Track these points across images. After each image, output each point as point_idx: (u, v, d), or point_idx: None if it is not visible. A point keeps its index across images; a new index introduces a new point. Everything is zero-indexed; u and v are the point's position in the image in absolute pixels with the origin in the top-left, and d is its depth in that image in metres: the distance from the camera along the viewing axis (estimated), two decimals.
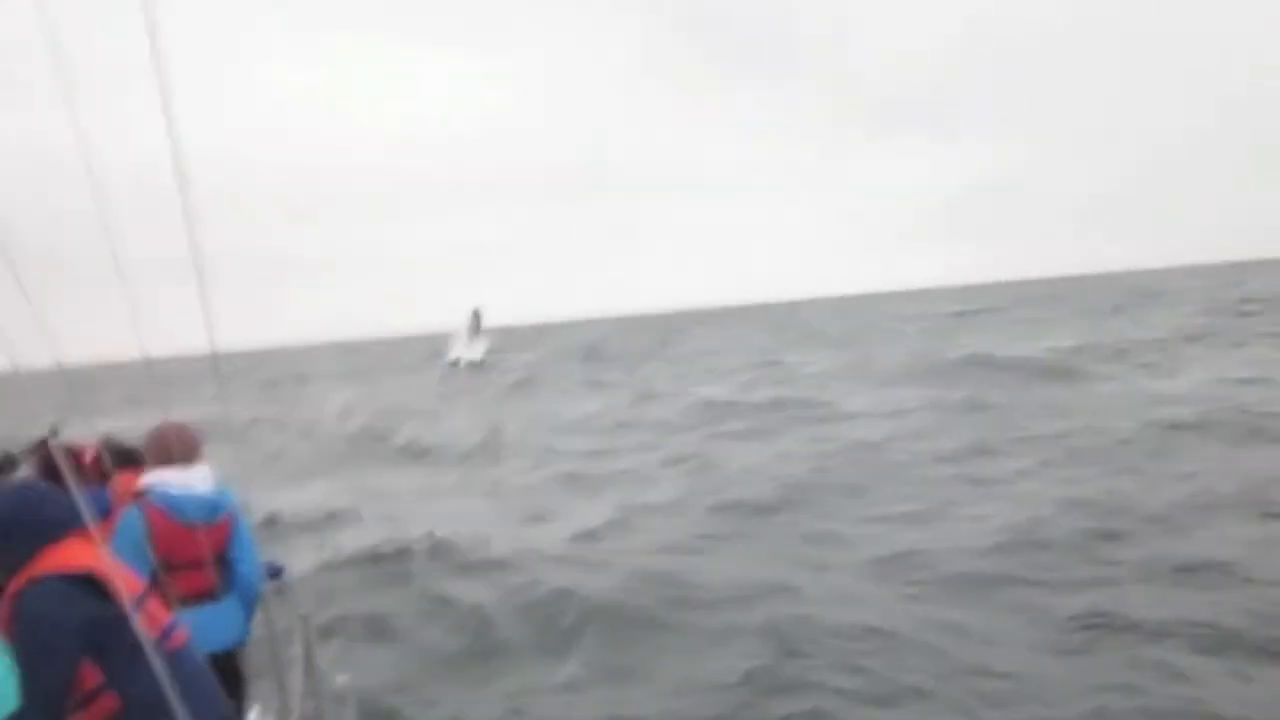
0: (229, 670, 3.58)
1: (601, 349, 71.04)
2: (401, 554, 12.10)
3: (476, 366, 60.87)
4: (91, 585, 2.79)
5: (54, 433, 4.13)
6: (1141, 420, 17.18)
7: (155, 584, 3.40)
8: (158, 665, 2.44)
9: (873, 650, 7.70)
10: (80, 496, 2.38)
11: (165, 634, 2.98)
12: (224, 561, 3.82)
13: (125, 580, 2.91)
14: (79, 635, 2.74)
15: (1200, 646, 7.34)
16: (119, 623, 2.79)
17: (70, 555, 2.83)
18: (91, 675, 2.79)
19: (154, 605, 3.02)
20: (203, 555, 3.57)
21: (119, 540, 3.60)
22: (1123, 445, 15.38)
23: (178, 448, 3.80)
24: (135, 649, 2.74)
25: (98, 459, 4.03)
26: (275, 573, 4.04)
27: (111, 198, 2.80)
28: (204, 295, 2.41)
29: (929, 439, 17.93)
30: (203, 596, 3.70)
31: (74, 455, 3.71)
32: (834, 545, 11.16)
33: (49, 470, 4.01)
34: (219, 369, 2.76)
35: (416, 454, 23.54)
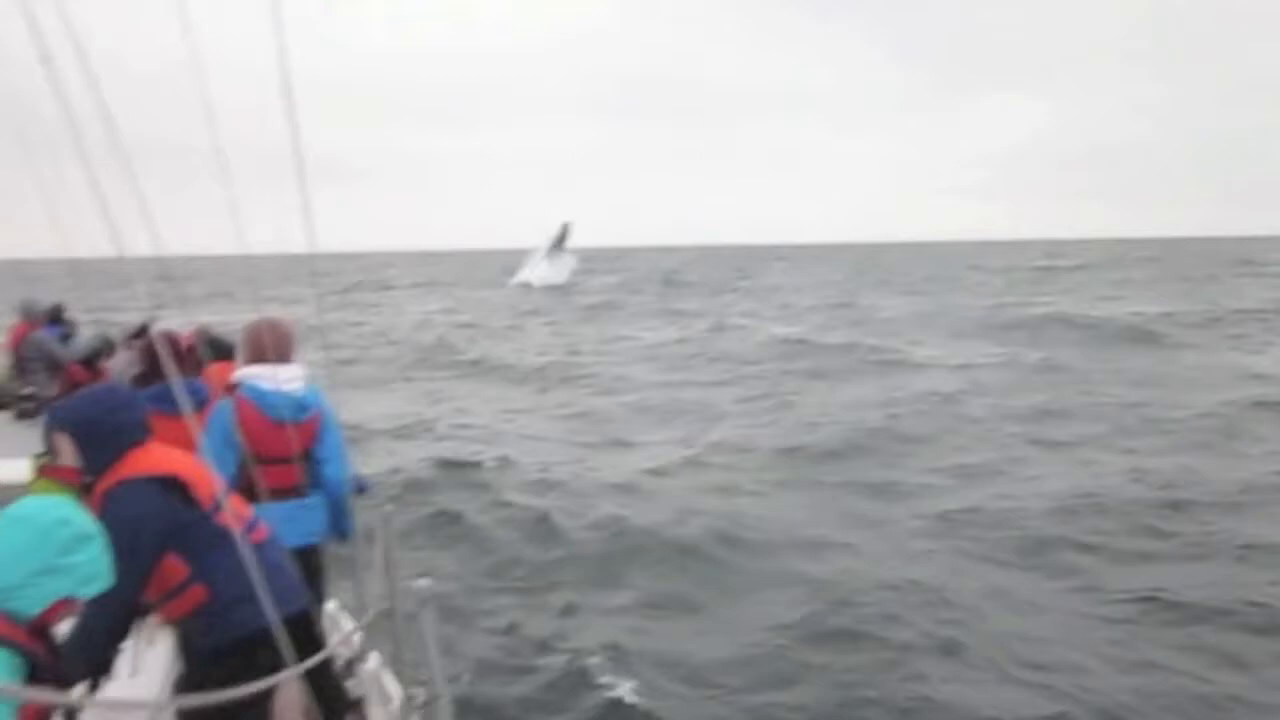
0: (310, 564, 3.68)
1: (679, 277, 70.77)
2: (471, 467, 12.50)
3: (556, 288, 59.60)
4: (175, 486, 2.96)
5: (152, 321, 4.24)
6: (1224, 395, 16.71)
7: (243, 476, 3.58)
8: (246, 556, 2.60)
9: (920, 605, 7.77)
10: (179, 385, 2.51)
11: (248, 529, 3.09)
12: (311, 459, 3.91)
13: (206, 480, 3.09)
14: (161, 535, 2.90)
15: (1254, 628, 7.28)
16: (202, 520, 2.99)
17: (155, 459, 2.98)
18: (179, 569, 2.96)
19: (236, 502, 3.15)
20: (289, 451, 3.66)
21: (211, 431, 3.71)
22: (1200, 419, 14.98)
23: (271, 345, 3.86)
24: (218, 544, 2.96)
25: (193, 349, 4.12)
26: (360, 488, 4.03)
27: (215, 95, 2.92)
28: (304, 200, 2.50)
29: (1000, 395, 17.69)
30: (289, 492, 3.79)
31: (172, 343, 3.75)
32: (894, 497, 11.20)
33: (149, 358, 4.16)
34: (315, 271, 2.86)
35: (489, 370, 23.92)
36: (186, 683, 3.09)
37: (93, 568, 2.27)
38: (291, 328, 4.09)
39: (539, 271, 65.13)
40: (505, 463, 12.63)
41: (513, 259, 69.50)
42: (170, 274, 2.96)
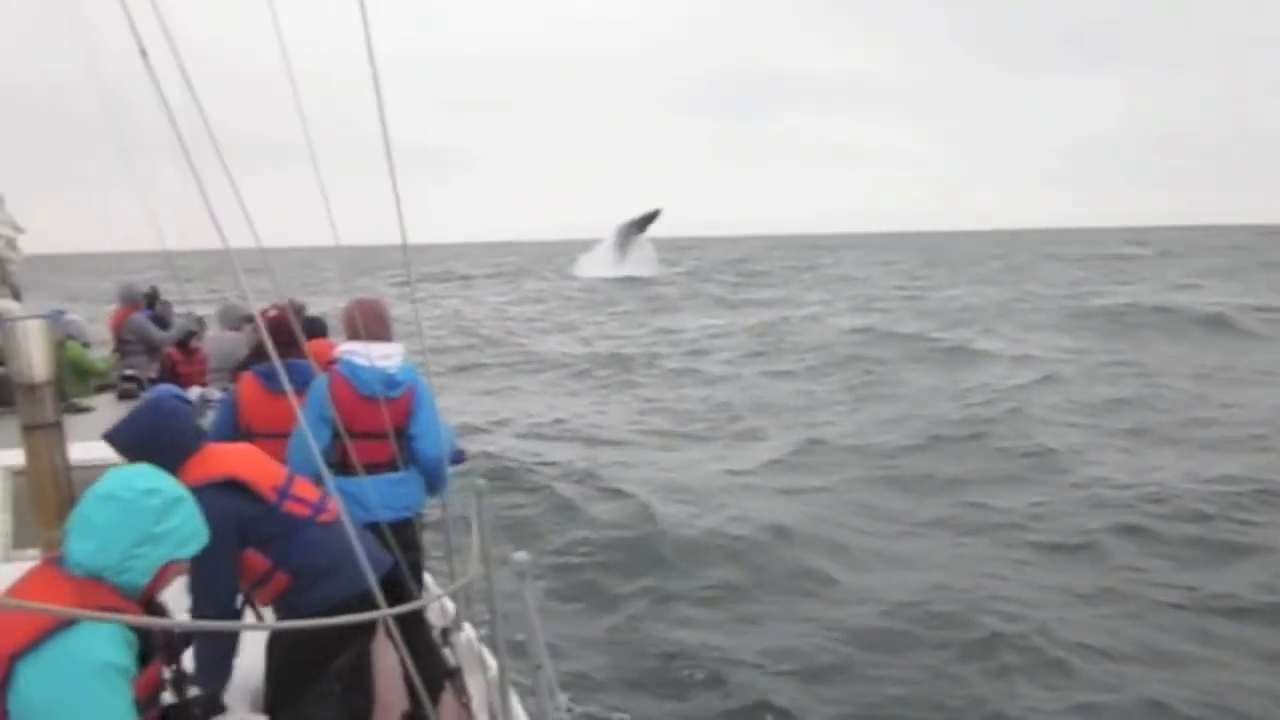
0: (404, 538, 3.73)
1: (749, 268, 70.39)
2: (543, 470, 12.39)
3: (625, 281, 57.31)
4: (236, 486, 3.09)
5: (270, 309, 4.25)
6: None
7: (339, 450, 3.72)
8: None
9: (1000, 617, 7.60)
10: (284, 366, 2.60)
11: (316, 509, 3.23)
12: (406, 435, 3.99)
13: (266, 473, 3.22)
14: (233, 534, 3.03)
15: None
16: (269, 513, 3.13)
17: (213, 463, 3.10)
18: (259, 561, 3.12)
19: (300, 486, 3.26)
20: (382, 426, 3.71)
21: (307, 407, 3.81)
22: None
23: (364, 324, 3.99)
24: (291, 531, 3.15)
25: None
26: (458, 458, 4.13)
27: (305, 96, 3.00)
28: (396, 196, 2.55)
29: (1073, 392, 17.16)
30: (383, 466, 3.89)
31: (282, 325, 3.79)
32: (967, 498, 10.96)
33: (261, 340, 4.24)
34: (409, 261, 2.92)
35: (558, 365, 23.87)
36: (281, 646, 3.23)
37: (189, 528, 2.36)
38: (385, 307, 4.19)
39: (601, 266, 62.90)
40: (585, 469, 12.43)
41: (579, 248, 69.40)
42: (259, 266, 3.05)
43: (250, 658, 3.29)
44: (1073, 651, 6.91)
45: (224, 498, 2.99)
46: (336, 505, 3.27)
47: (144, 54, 2.25)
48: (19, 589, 2.16)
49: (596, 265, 64.72)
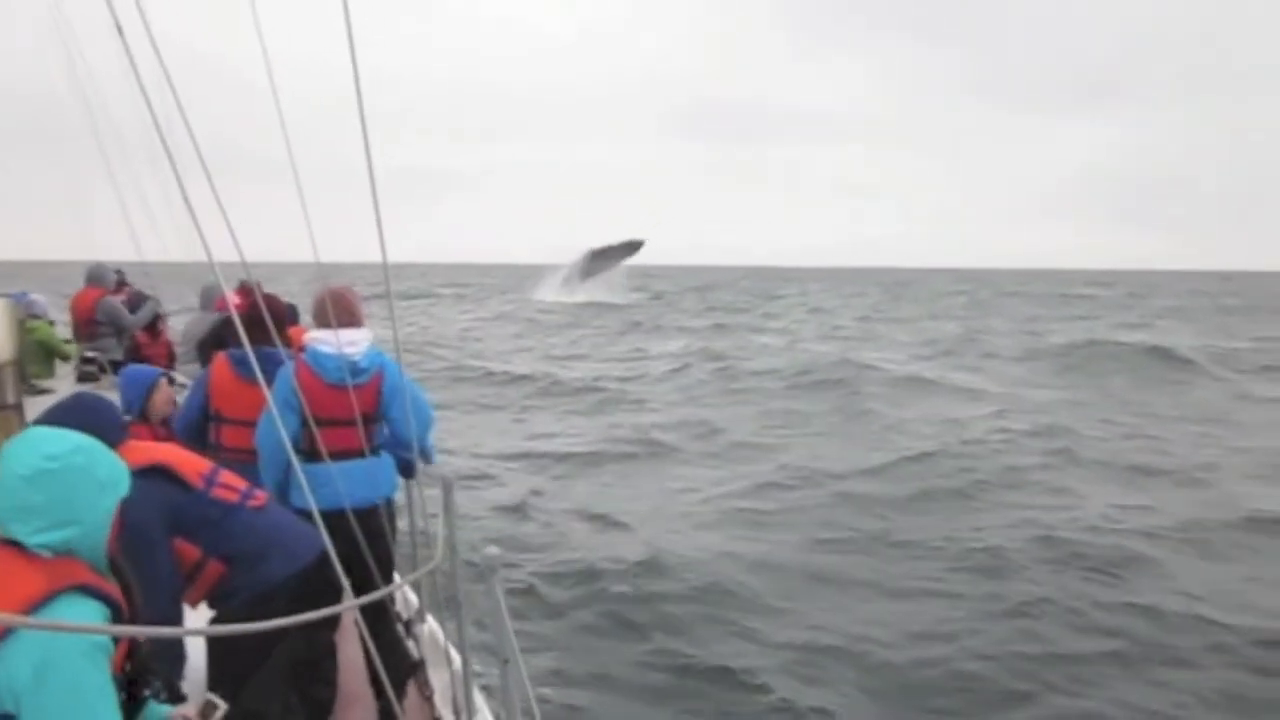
0: (370, 526, 3.69)
1: (714, 298, 70.66)
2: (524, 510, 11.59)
3: (586, 306, 55.99)
4: (162, 473, 3.06)
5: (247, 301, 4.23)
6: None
7: (307, 437, 3.72)
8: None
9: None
10: (255, 353, 2.65)
11: (245, 496, 3.23)
12: (376, 422, 4.01)
13: (191, 461, 3.21)
14: (163, 521, 3.01)
15: None
16: (197, 499, 3.12)
17: (138, 453, 3.03)
18: (191, 551, 3.09)
19: (227, 476, 3.24)
20: (348, 414, 3.72)
21: (275, 392, 3.78)
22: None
23: (334, 312, 3.97)
24: (220, 516, 3.13)
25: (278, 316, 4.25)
26: (426, 457, 3.98)
27: (288, 113, 3.12)
28: (378, 217, 2.64)
29: (1035, 427, 16.93)
30: (350, 453, 3.88)
31: (250, 310, 3.79)
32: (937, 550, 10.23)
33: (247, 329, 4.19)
34: (389, 279, 2.97)
35: (477, 380, 23.57)
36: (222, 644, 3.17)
37: (112, 462, 2.34)
38: (354, 296, 4.20)
39: (554, 290, 61.45)
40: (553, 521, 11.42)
41: (546, 272, 69.54)
42: (253, 274, 3.12)
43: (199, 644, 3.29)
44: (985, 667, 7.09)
45: (151, 485, 2.94)
46: (263, 495, 3.34)
47: (120, 31, 2.33)
48: None
49: (556, 289, 63.20)
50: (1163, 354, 27.92)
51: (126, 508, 2.37)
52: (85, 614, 2.11)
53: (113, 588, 2.26)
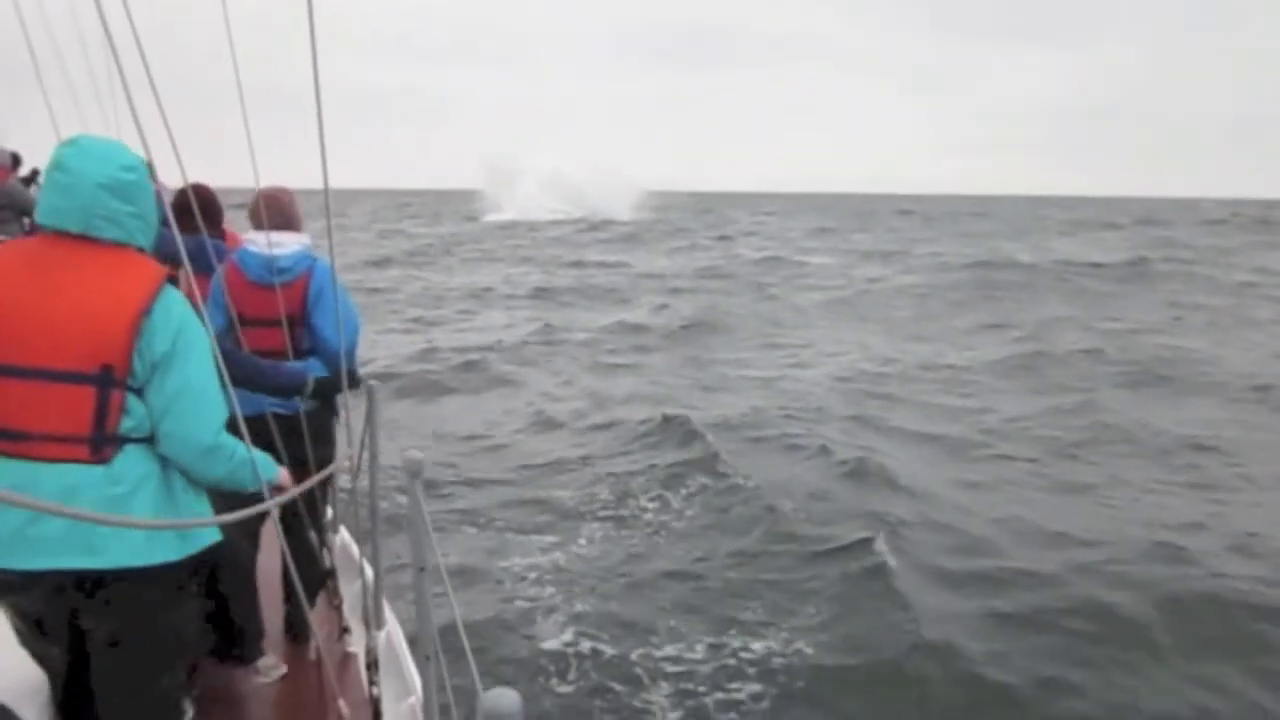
0: (291, 430, 3.67)
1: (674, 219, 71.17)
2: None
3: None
4: None
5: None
6: None
7: (232, 337, 3.68)
8: None
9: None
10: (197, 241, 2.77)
11: None
12: (302, 325, 3.89)
13: None
14: None
15: None
16: None
17: None
18: None
19: None
20: (270, 313, 3.69)
21: (211, 292, 3.78)
22: None
23: (266, 214, 3.88)
24: None
25: (216, 206, 4.24)
26: (353, 381, 3.85)
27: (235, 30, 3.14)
28: (321, 138, 2.69)
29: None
30: (275, 354, 3.74)
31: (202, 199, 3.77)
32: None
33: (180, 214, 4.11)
34: (329, 206, 2.98)
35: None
36: None
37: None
38: (288, 198, 4.09)
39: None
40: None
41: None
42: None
43: None
44: None
45: None
46: None
47: None
48: (106, 274, 2.37)
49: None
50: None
51: None
52: (173, 301, 2.43)
53: None
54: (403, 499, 3.06)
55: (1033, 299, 24.26)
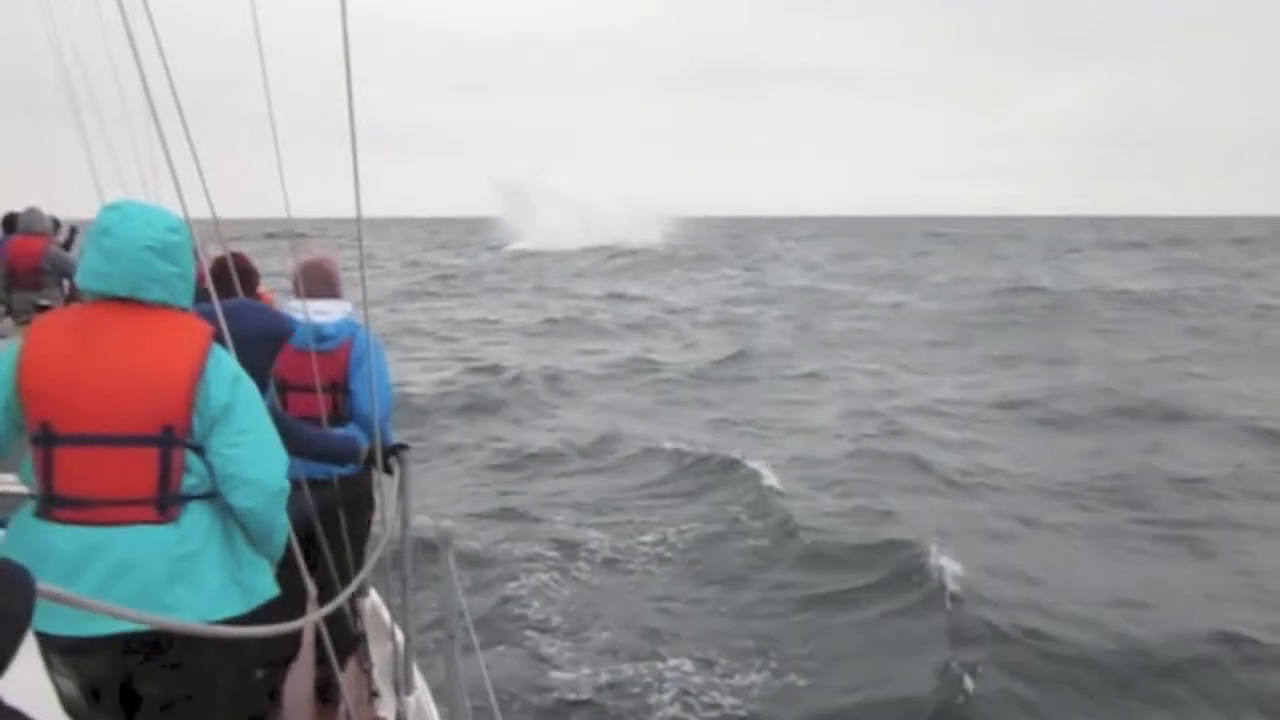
0: (326, 497, 3.70)
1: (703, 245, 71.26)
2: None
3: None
4: None
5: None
6: None
7: (277, 401, 3.69)
8: None
9: None
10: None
11: None
12: (341, 392, 3.95)
13: None
14: None
15: None
16: None
17: None
18: None
19: None
20: (310, 379, 3.70)
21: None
22: None
23: (305, 281, 3.95)
24: None
25: (252, 273, 4.23)
26: (393, 449, 3.78)
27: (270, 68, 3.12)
28: (355, 168, 2.66)
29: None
30: (314, 419, 3.76)
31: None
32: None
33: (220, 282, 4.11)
34: (361, 234, 2.98)
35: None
36: None
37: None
38: (331, 266, 4.18)
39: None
40: None
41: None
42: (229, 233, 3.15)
43: None
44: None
45: None
46: None
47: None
48: (157, 335, 2.40)
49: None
50: None
51: None
52: (222, 354, 2.48)
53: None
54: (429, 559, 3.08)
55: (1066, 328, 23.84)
